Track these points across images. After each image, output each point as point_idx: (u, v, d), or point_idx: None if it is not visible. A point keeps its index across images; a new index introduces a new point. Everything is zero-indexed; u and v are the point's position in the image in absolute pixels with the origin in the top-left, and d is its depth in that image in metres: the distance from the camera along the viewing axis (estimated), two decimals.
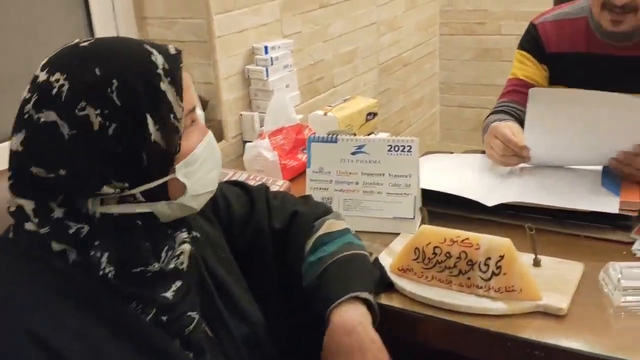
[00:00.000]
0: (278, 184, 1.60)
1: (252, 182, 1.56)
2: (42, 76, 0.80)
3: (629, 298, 1.04)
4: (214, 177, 0.93)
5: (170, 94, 0.83)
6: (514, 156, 1.46)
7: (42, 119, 0.79)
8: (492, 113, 1.72)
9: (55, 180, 0.79)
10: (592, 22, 1.64)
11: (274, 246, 1.12)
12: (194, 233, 0.92)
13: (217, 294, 0.98)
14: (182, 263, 0.88)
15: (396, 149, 1.37)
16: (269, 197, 1.17)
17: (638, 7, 1.50)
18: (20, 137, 0.81)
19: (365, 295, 1.01)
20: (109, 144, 0.79)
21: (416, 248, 1.14)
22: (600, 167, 1.45)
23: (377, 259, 1.20)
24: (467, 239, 1.10)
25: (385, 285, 1.15)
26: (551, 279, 1.11)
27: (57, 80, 0.79)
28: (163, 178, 0.84)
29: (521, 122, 1.52)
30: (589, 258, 1.18)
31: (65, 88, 0.78)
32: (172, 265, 0.86)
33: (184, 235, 0.90)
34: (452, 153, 1.76)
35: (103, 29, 1.81)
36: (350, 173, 1.41)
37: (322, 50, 2.39)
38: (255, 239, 1.11)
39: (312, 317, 1.02)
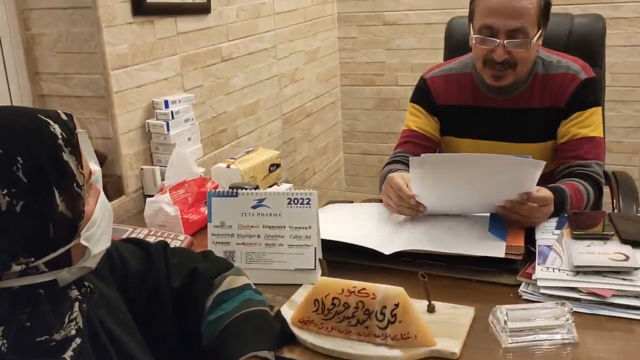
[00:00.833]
0: (179, 239, 1.59)
1: (152, 239, 1.55)
2: None
3: (516, 339, 1.10)
4: (109, 234, 0.94)
5: (72, 164, 0.83)
6: (408, 206, 1.51)
7: None
8: (388, 163, 1.78)
9: None
10: (477, 77, 1.75)
11: (173, 305, 1.11)
12: (86, 284, 0.92)
13: (115, 356, 0.96)
14: (77, 323, 0.87)
15: (296, 201, 1.41)
16: (168, 255, 1.16)
17: (517, 63, 1.62)
18: None
19: (264, 354, 1.02)
20: (17, 221, 0.78)
21: (316, 300, 1.16)
22: (487, 214, 1.53)
23: (279, 312, 1.21)
24: (364, 288, 1.13)
25: (287, 338, 1.16)
26: (445, 324, 1.15)
27: None
28: (68, 245, 0.85)
29: None
30: (480, 301, 1.23)
31: None
32: (73, 331, 0.86)
33: (75, 292, 0.89)
34: (352, 202, 1.81)
35: None
36: (251, 226, 1.42)
37: (225, 102, 2.42)
38: (153, 297, 1.10)
39: None
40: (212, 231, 1.44)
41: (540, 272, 1.28)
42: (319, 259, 1.35)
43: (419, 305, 1.18)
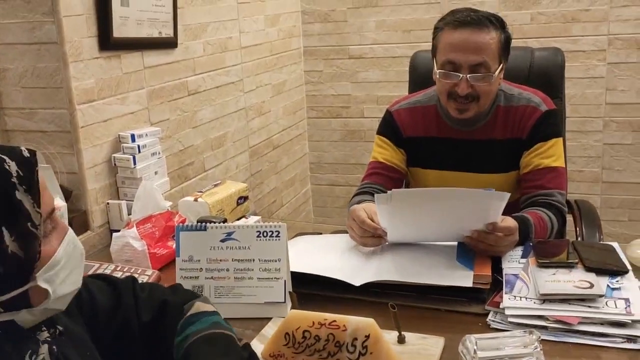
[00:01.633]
0: (147, 274, 1.57)
1: (119, 274, 1.53)
2: None
3: None
4: (78, 275, 0.91)
5: (27, 202, 0.81)
6: (371, 237, 1.53)
7: None
8: (356, 194, 1.80)
9: None
10: (441, 110, 1.78)
11: (142, 339, 1.09)
12: (58, 327, 0.89)
13: None
14: None
15: (265, 234, 1.40)
16: (137, 290, 1.14)
17: (479, 96, 1.66)
18: None
19: None
20: None
21: (286, 333, 1.16)
22: (455, 243, 1.55)
23: (248, 344, 1.19)
24: (334, 321, 1.13)
25: None
26: (415, 354, 1.16)
27: None
28: (22, 287, 0.82)
29: None
30: (450, 331, 1.24)
31: None
32: None
33: (45, 334, 0.87)
34: (320, 234, 1.81)
35: None
36: (220, 260, 1.41)
37: (192, 135, 2.42)
38: (121, 333, 1.08)
39: None
40: (180, 265, 1.43)
41: (507, 300, 1.29)
42: (289, 292, 1.35)
43: (390, 336, 1.18)
